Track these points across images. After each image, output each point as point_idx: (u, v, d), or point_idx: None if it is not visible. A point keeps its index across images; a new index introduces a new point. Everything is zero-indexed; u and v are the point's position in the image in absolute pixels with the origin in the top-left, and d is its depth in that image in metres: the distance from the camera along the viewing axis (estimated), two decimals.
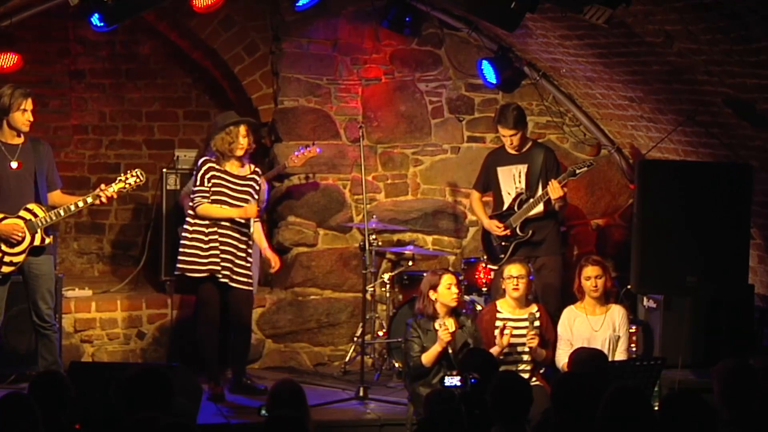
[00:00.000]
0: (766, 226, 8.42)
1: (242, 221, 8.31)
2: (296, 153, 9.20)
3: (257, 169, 8.53)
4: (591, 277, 7.93)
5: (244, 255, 8.31)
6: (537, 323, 7.84)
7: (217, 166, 8.32)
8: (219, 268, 8.21)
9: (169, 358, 9.27)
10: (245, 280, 8.33)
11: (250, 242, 8.38)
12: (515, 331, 7.77)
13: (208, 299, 8.33)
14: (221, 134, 8.32)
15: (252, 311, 8.74)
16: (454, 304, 7.62)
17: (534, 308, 7.92)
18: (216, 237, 8.23)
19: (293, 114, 9.68)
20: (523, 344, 7.76)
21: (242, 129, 8.34)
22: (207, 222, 8.26)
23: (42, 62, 10.04)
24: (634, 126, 9.32)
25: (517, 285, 7.84)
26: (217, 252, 8.21)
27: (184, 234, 8.38)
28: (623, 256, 8.86)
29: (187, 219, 8.39)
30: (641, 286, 8.18)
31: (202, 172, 8.31)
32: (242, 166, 8.40)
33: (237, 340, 8.48)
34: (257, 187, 8.44)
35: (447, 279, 7.66)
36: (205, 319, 8.35)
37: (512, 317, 7.88)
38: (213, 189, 8.27)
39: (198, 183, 8.30)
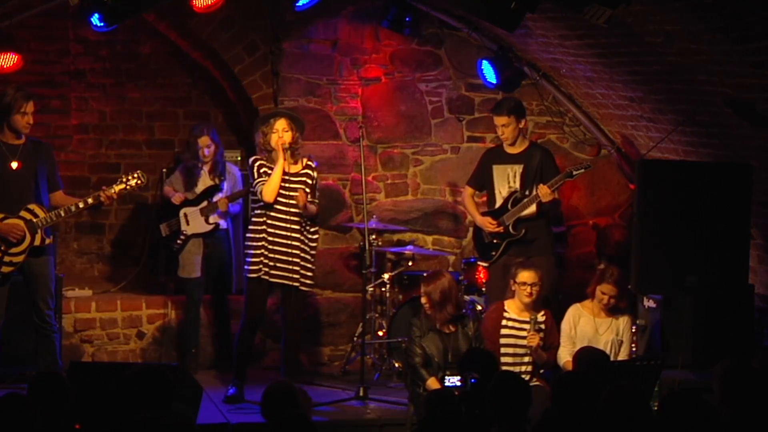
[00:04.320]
0: (766, 226, 8.42)
1: (302, 221, 8.15)
2: None
3: (310, 163, 8.33)
4: (606, 294, 7.93)
5: (298, 252, 8.12)
6: (542, 326, 7.82)
7: (267, 163, 8.20)
8: (267, 268, 8.10)
9: (169, 358, 9.28)
10: (296, 277, 8.15)
11: (311, 240, 8.22)
12: (519, 333, 7.79)
13: (253, 300, 8.23)
14: (261, 129, 8.23)
15: (300, 310, 8.45)
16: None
17: (540, 312, 7.90)
18: (265, 236, 8.13)
19: None
20: (524, 346, 7.78)
21: (283, 122, 8.19)
22: (260, 221, 8.15)
23: (42, 62, 10.02)
24: (634, 126, 9.32)
25: (531, 292, 7.84)
26: (266, 252, 8.10)
27: (246, 235, 8.32)
28: (623, 256, 8.85)
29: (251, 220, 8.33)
30: (641, 286, 8.18)
31: (255, 167, 8.20)
32: (295, 162, 8.24)
33: (283, 339, 8.38)
34: (311, 182, 8.23)
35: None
36: (248, 318, 8.27)
37: (518, 319, 7.88)
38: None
39: (255, 177, 8.19)
